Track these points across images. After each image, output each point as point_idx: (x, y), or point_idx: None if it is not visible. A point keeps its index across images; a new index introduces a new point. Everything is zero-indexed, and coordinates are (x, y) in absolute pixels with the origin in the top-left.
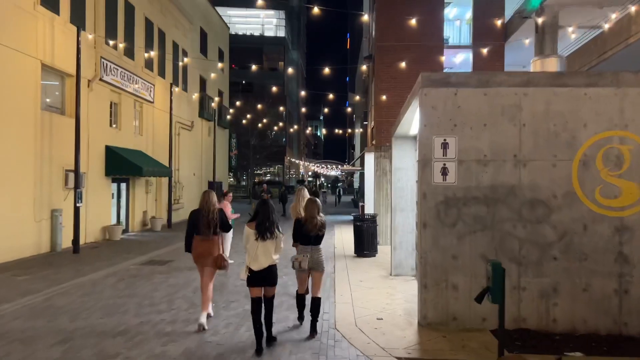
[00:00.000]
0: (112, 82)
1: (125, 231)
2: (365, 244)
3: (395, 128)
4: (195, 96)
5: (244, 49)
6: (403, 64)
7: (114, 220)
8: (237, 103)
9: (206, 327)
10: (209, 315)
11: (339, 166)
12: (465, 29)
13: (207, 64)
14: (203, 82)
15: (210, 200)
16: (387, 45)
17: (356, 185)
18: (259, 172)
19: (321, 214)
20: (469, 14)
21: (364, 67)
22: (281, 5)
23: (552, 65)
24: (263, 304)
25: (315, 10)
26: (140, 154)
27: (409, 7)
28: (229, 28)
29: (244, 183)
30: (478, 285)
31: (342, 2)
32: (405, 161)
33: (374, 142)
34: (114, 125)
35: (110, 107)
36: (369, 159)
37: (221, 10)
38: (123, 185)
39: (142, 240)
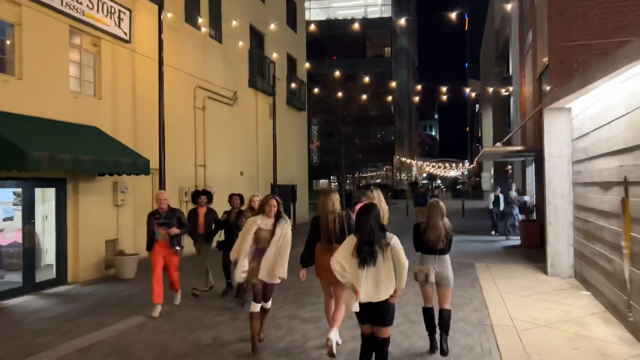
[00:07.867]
0: None
1: (53, 284)
2: None
3: None
4: (241, 52)
5: (343, 34)
6: None
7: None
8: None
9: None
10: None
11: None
12: None
13: (265, 13)
14: (258, 39)
15: (326, 207)
16: None
17: (485, 186)
18: (365, 175)
19: (445, 219)
20: None
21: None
22: None
23: None
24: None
25: None
26: (86, 130)
27: None
28: None
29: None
30: None
31: None
32: None
33: (554, 88)
34: None
35: None
36: (558, 121)
37: None
38: (49, 193)
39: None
